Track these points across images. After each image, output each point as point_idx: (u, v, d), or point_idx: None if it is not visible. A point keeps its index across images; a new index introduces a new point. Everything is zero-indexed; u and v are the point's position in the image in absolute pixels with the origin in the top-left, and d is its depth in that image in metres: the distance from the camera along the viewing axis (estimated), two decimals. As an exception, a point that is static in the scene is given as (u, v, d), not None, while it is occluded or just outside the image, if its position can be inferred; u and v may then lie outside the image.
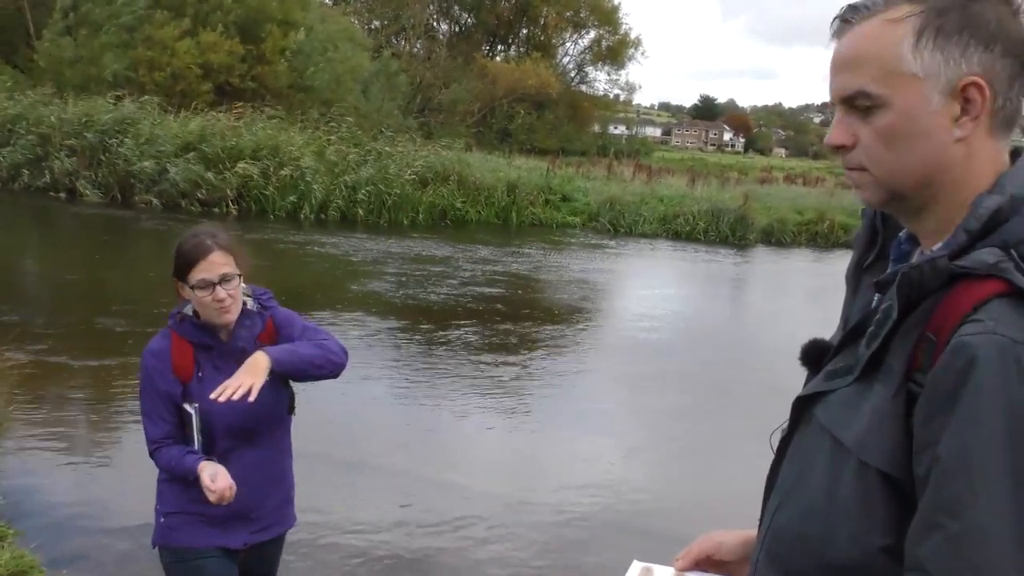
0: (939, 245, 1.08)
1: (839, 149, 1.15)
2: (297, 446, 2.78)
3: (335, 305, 10.54)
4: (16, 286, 10.81)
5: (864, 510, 1.06)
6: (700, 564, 1.48)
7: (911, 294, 1.05)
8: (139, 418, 2.64)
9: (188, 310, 2.61)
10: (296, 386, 2.73)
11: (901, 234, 1.23)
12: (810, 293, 15.27)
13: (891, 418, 1.05)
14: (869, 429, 1.06)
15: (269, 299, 2.73)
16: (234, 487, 2.39)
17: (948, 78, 1.06)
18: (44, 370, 7.04)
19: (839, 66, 1.13)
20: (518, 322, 10.41)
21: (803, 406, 1.22)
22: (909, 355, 1.05)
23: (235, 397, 2.31)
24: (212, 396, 2.34)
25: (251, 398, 2.33)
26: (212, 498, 2.37)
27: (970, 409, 0.96)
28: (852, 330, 1.17)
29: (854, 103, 1.12)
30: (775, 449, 1.30)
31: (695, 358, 9.64)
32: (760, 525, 1.28)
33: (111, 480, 5.21)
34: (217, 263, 2.51)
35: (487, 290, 12.41)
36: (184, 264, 2.52)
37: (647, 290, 14.26)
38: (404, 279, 12.80)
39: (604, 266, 16.16)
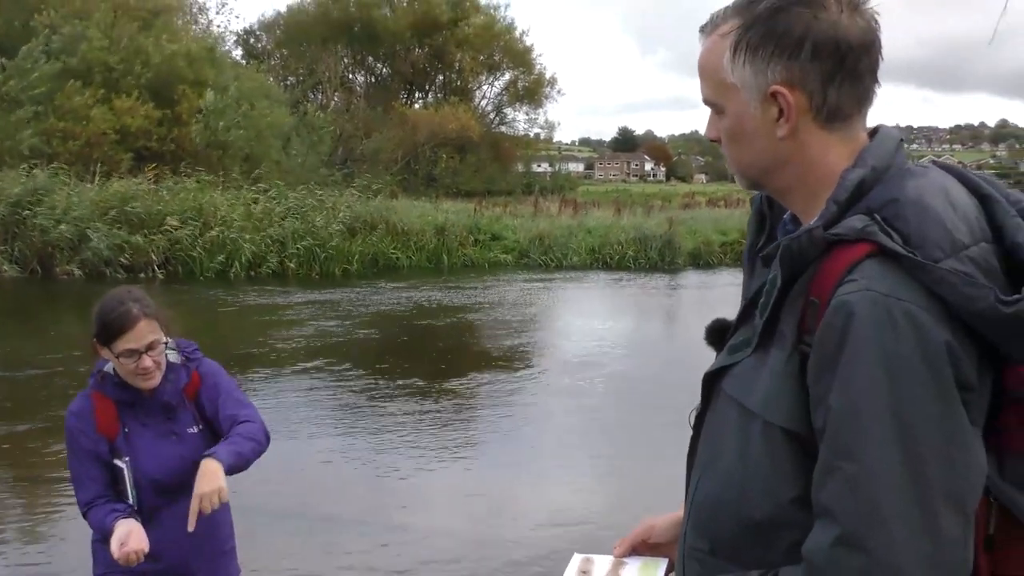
0: (815, 219, 1.19)
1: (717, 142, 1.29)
2: (252, 503, 2.76)
3: (273, 359, 10.42)
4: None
5: (772, 466, 1.15)
6: (637, 548, 1.56)
7: (793, 263, 1.15)
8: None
9: (108, 368, 2.57)
10: None
11: (786, 216, 1.33)
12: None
13: (788, 379, 1.14)
14: (770, 391, 1.16)
15: (194, 351, 2.71)
16: (144, 549, 2.34)
17: (759, 87, 1.19)
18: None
19: (699, 74, 1.28)
20: (462, 363, 10.42)
21: (711, 382, 1.30)
22: (798, 320, 1.15)
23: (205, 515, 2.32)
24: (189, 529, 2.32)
25: (213, 508, 2.34)
26: (115, 556, 2.33)
27: (852, 360, 1.06)
28: (747, 305, 1.27)
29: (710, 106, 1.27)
30: (693, 427, 1.38)
31: (647, 387, 9.56)
32: (685, 501, 1.36)
33: (54, 545, 5.06)
34: (143, 332, 2.46)
35: (427, 332, 12.40)
36: (110, 333, 2.46)
37: (587, 322, 14.37)
38: (340, 329, 12.72)
39: (539, 301, 16.28)
